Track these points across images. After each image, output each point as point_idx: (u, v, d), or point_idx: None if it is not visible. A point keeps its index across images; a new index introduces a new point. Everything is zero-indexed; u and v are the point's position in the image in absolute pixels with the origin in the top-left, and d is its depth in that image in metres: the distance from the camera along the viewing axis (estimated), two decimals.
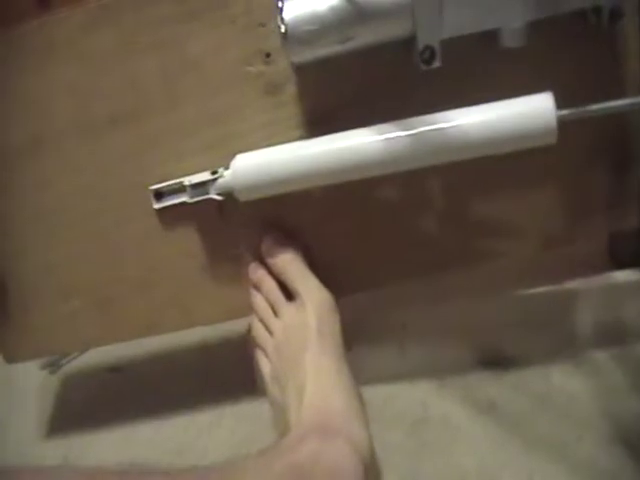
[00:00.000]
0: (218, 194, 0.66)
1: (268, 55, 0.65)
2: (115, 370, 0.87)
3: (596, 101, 0.59)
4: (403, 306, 0.74)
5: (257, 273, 0.68)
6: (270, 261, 0.67)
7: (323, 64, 0.60)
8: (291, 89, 0.65)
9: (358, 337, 0.73)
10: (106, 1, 0.66)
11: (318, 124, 0.65)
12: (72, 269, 0.72)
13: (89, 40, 0.67)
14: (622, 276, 0.74)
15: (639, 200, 0.69)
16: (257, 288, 0.68)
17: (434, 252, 0.69)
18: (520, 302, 0.74)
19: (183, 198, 0.68)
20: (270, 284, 0.67)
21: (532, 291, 0.73)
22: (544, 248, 0.70)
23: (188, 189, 0.67)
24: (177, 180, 0.68)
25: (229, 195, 0.65)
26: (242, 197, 0.64)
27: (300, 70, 0.63)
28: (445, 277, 0.71)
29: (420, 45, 0.57)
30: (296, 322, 0.63)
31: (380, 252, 0.70)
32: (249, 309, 0.70)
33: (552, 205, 0.68)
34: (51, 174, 0.70)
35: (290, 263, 0.66)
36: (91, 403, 0.85)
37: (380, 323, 0.74)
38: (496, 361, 0.74)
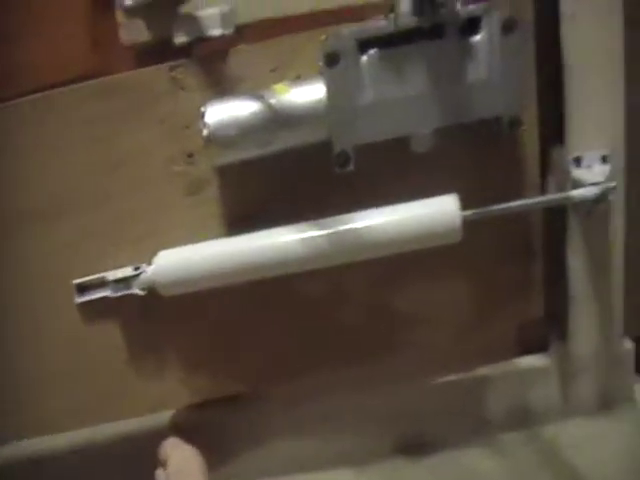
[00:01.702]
0: (141, 289, 0.67)
1: (191, 155, 0.67)
2: (34, 462, 0.85)
3: (499, 201, 0.64)
4: (325, 396, 0.76)
5: None
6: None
7: (244, 165, 0.63)
8: (213, 189, 0.68)
9: (283, 425, 0.74)
10: (32, 97, 0.68)
11: (239, 223, 0.67)
12: (3, 361, 0.72)
13: (15, 135, 0.68)
14: (529, 361, 0.78)
15: (542, 291, 0.73)
16: None
17: (353, 343, 0.72)
18: (435, 389, 0.77)
19: (106, 292, 0.69)
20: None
21: (446, 378, 0.77)
22: (457, 337, 0.73)
23: (111, 284, 0.68)
24: (100, 275, 0.69)
25: (152, 290, 0.66)
26: (165, 292, 0.66)
27: (222, 170, 0.66)
28: (365, 366, 0.74)
29: (335, 150, 0.61)
30: None
31: (302, 342, 0.72)
32: (172, 403, 0.72)
33: (463, 296, 0.72)
34: None
35: (165, 451, 0.71)
36: None
37: (302, 415, 0.76)
38: (413, 446, 0.76)
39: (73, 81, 0.68)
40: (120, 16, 0.65)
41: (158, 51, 0.66)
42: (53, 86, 0.68)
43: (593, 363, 0.76)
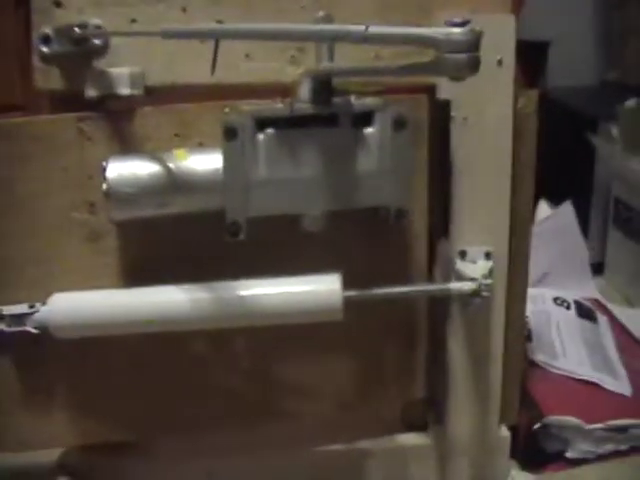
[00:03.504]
0: (34, 328, 0.68)
1: (92, 205, 0.68)
2: None
3: (387, 285, 0.66)
4: (208, 456, 0.77)
5: None
6: None
7: (144, 221, 0.64)
8: (112, 240, 0.69)
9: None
10: None
11: (134, 276, 0.69)
12: None
13: None
14: (409, 439, 0.80)
15: (426, 374, 0.76)
16: None
17: (238, 406, 0.74)
18: (314, 457, 0.79)
19: (1, 326, 0.69)
20: None
21: (325, 447, 0.78)
22: (339, 410, 0.75)
23: (6, 318, 0.69)
24: None
25: (45, 330, 0.67)
26: (57, 334, 0.67)
27: (121, 224, 0.67)
28: (249, 430, 0.75)
29: (228, 219, 0.63)
30: None
31: (186, 400, 0.73)
32: (60, 442, 0.74)
33: (348, 372, 0.74)
34: None
35: None
36: None
37: (185, 472, 0.77)
38: None
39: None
40: (36, 61, 0.66)
41: (71, 101, 0.67)
42: None
43: (468, 447, 0.78)
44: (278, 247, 0.69)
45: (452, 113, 0.69)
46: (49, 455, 0.77)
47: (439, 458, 0.80)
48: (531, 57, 1.47)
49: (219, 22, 0.66)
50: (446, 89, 0.68)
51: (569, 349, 0.97)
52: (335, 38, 0.53)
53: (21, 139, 0.67)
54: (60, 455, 0.76)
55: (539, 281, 1.17)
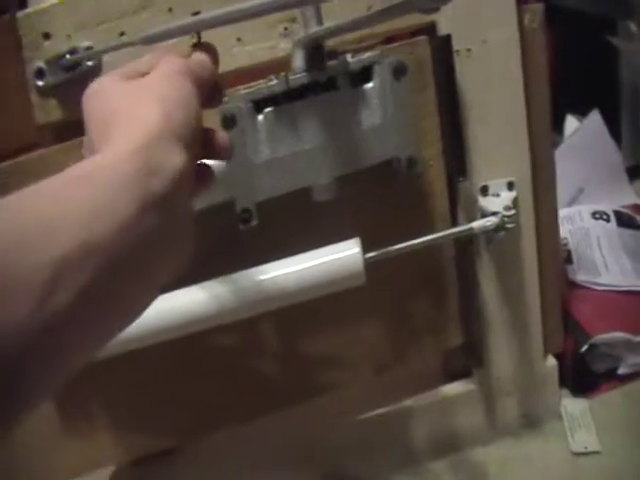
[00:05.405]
0: None
1: None
2: None
3: (410, 238, 0.65)
4: (254, 441, 0.78)
5: None
6: None
7: None
8: None
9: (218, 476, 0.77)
10: None
11: None
12: None
13: None
14: (452, 389, 0.80)
15: (461, 320, 0.75)
16: None
17: (273, 392, 0.74)
18: (359, 425, 0.78)
19: None
20: None
21: (370, 413, 0.78)
22: (377, 374, 0.75)
23: None
24: None
25: None
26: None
27: None
28: (287, 411, 0.75)
29: (238, 209, 0.62)
30: None
31: (223, 396, 0.73)
32: (106, 462, 0.75)
33: (380, 334, 0.74)
34: None
35: None
36: None
37: (234, 460, 0.78)
38: None
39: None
40: (34, 96, 0.66)
41: (74, 127, 0.67)
42: None
43: (515, 384, 0.78)
44: (292, 224, 0.68)
45: (455, 47, 0.67)
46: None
47: (487, 401, 0.80)
48: None
49: (196, 14, 0.64)
50: (446, 24, 0.67)
51: (611, 262, 0.95)
52: None
53: (38, 174, 0.67)
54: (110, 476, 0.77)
55: (575, 199, 1.15)
